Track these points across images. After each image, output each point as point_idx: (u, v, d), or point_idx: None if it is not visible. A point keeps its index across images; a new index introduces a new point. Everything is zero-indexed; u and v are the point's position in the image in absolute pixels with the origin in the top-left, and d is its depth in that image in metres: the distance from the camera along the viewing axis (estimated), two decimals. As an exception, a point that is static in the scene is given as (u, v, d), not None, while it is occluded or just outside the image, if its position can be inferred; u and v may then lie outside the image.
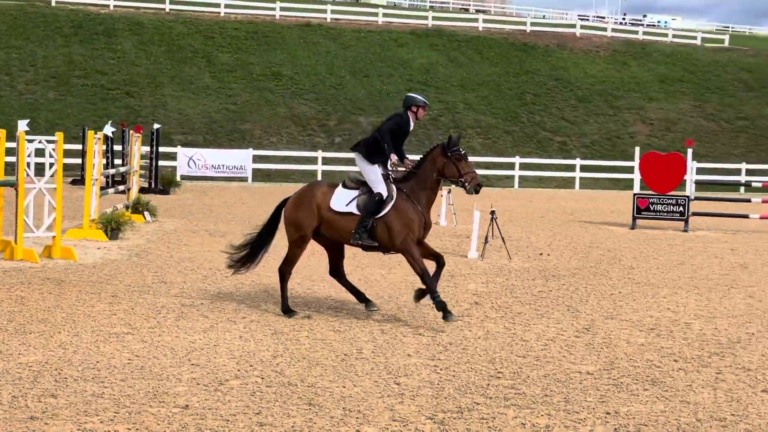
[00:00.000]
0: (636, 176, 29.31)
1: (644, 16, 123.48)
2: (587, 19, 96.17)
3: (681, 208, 27.22)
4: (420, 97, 12.30)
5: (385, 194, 11.91)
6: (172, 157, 45.05)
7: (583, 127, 61.58)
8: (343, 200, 12.10)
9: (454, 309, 12.42)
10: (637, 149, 31.04)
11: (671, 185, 27.59)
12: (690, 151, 27.85)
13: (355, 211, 11.97)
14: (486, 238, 19.70)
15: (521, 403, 8.46)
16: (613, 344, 11.16)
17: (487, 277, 16.38)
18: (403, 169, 12.23)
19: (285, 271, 12.45)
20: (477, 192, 11.93)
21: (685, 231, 26.54)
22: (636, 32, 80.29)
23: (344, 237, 12.19)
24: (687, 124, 63.63)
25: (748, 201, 30.44)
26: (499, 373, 9.57)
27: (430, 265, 11.98)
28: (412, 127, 12.35)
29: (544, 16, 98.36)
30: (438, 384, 9.05)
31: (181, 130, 51.73)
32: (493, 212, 20.37)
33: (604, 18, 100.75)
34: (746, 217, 27.84)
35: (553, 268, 17.98)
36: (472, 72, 65.11)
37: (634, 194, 28.18)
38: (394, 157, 12.12)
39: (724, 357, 10.63)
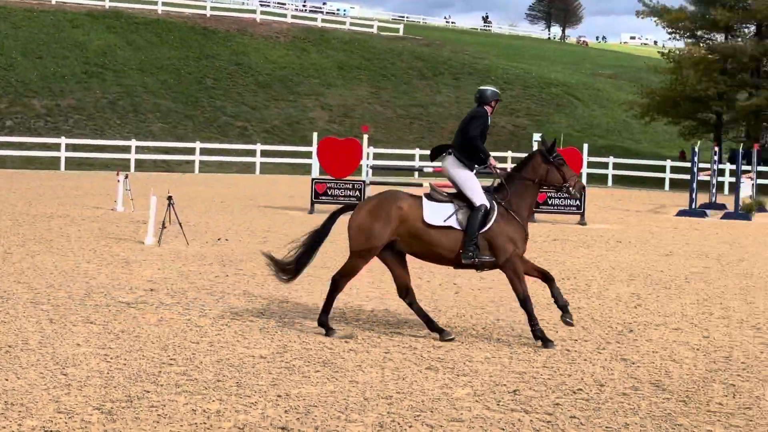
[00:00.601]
0: (314, 161, 29.84)
1: (324, 3, 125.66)
2: (268, 5, 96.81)
3: (357, 192, 27.93)
4: (492, 89, 11.65)
5: (488, 205, 10.99)
6: None
7: (264, 112, 61.99)
8: (439, 214, 11.01)
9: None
10: (315, 135, 31.61)
11: (348, 170, 28.28)
12: (366, 136, 28.57)
13: (456, 226, 10.96)
14: (163, 223, 19.44)
15: (193, 390, 8.39)
16: (287, 327, 11.27)
17: (164, 263, 16.17)
18: (499, 172, 11.39)
19: (339, 281, 11.25)
20: (581, 195, 11.55)
21: (361, 215, 27.18)
22: (315, 19, 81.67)
23: (441, 254, 11.11)
24: (364, 111, 65.36)
25: (421, 185, 31.52)
26: (171, 359, 9.45)
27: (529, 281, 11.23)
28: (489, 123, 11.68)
29: (243, 4, 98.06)
30: (108, 373, 8.83)
31: None
32: (170, 198, 20.09)
33: (284, 4, 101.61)
34: (419, 200, 28.89)
35: (231, 253, 17.98)
36: (151, 55, 64.13)
37: (313, 179, 28.65)
38: (494, 162, 11.29)
39: (392, 337, 10.96)
